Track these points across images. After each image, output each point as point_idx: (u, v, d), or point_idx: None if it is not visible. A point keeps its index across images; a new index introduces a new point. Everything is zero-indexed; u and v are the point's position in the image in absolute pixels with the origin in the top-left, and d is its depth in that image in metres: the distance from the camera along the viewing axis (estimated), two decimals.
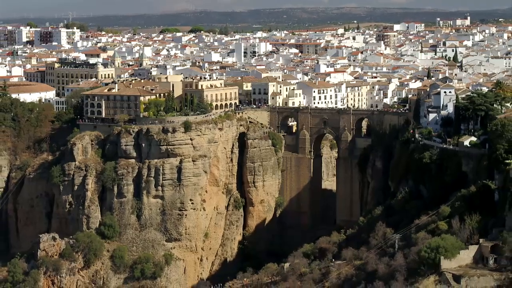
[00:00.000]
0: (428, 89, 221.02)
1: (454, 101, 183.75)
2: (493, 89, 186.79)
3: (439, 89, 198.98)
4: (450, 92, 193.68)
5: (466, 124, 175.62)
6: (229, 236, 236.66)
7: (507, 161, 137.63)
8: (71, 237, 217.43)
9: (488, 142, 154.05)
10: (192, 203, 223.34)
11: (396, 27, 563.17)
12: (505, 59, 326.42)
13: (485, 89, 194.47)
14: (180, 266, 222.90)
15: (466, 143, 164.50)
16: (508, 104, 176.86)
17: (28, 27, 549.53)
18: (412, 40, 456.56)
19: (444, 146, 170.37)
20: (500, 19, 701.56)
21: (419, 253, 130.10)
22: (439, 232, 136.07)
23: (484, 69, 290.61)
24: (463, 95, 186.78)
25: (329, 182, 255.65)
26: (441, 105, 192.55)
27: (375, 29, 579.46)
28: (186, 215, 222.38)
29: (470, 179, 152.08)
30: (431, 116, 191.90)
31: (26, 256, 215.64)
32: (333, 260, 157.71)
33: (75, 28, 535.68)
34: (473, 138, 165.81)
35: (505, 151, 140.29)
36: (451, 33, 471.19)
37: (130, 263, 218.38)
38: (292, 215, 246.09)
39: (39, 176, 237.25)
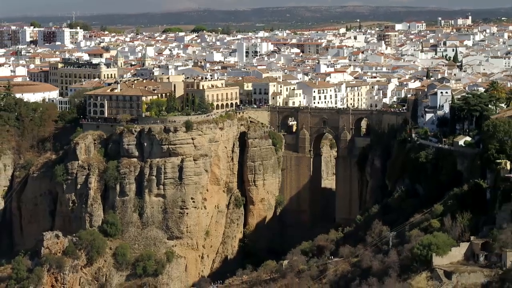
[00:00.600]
0: (426, 89, 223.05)
1: (450, 102, 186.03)
2: (488, 90, 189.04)
3: (436, 90, 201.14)
4: (446, 92, 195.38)
5: (461, 124, 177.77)
6: (230, 234, 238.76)
7: (498, 160, 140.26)
8: (74, 235, 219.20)
9: (481, 142, 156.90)
10: (193, 202, 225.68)
11: (398, 26, 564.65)
12: (504, 59, 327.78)
13: (481, 90, 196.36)
14: (182, 264, 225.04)
15: (461, 143, 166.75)
16: (503, 105, 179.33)
17: (32, 27, 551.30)
18: (413, 40, 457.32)
19: (440, 145, 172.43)
20: (502, 18, 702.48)
21: (412, 250, 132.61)
22: (431, 229, 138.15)
23: (484, 69, 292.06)
24: (459, 96, 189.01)
25: (328, 181, 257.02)
26: (438, 105, 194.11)
27: (377, 29, 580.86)
28: (187, 213, 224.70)
29: (465, 178, 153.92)
30: (428, 116, 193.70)
31: (30, 254, 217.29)
32: (331, 257, 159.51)
33: (78, 28, 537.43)
34: (468, 138, 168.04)
35: (496, 151, 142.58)
36: (451, 33, 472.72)
37: (132, 261, 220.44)
38: (292, 214, 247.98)
39: (43, 175, 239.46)
